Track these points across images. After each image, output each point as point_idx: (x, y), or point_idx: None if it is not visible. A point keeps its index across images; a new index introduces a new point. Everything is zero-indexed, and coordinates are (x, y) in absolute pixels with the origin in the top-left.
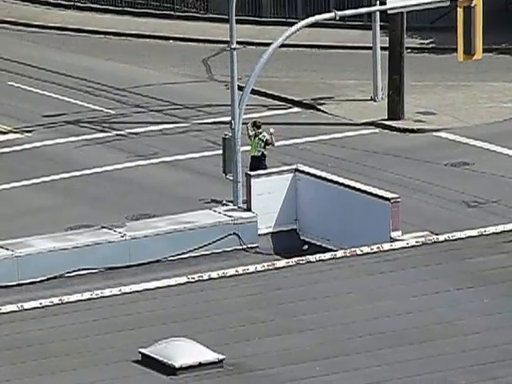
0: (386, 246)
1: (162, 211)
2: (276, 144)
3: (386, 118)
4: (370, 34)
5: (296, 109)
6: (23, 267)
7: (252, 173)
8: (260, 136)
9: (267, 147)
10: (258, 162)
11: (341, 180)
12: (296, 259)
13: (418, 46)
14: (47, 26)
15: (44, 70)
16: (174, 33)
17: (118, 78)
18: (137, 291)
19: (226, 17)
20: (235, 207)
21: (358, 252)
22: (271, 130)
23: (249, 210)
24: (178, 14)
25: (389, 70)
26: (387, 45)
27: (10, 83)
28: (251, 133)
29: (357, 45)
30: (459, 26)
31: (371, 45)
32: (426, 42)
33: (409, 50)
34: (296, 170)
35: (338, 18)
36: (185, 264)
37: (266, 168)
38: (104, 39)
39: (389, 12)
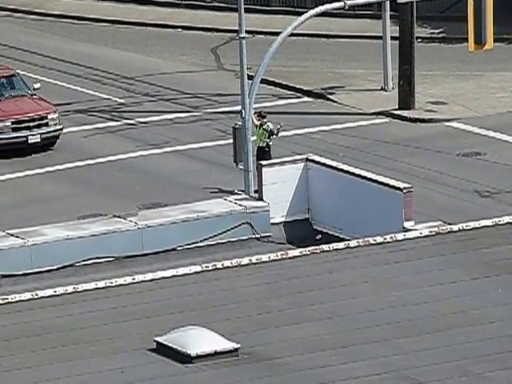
0: (400, 236)
1: (172, 200)
2: (286, 134)
3: (397, 107)
4: (380, 24)
5: (306, 98)
6: (36, 256)
7: (263, 162)
8: (264, 126)
9: (272, 137)
10: (263, 153)
11: (352, 170)
12: (309, 248)
13: (429, 35)
14: (54, 14)
15: (51, 58)
16: (182, 21)
17: (127, 67)
18: (150, 280)
19: (235, 5)
20: (247, 196)
21: (372, 242)
22: (281, 124)
23: (260, 199)
24: (186, 2)
25: (399, 60)
26: (397, 34)
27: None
28: (257, 123)
29: (367, 34)
30: (470, 15)
31: (381, 34)
32: (437, 31)
33: (419, 40)
34: (307, 159)
35: (347, 7)
36: (197, 253)
37: (270, 158)
38: (112, 28)
39: (399, 1)
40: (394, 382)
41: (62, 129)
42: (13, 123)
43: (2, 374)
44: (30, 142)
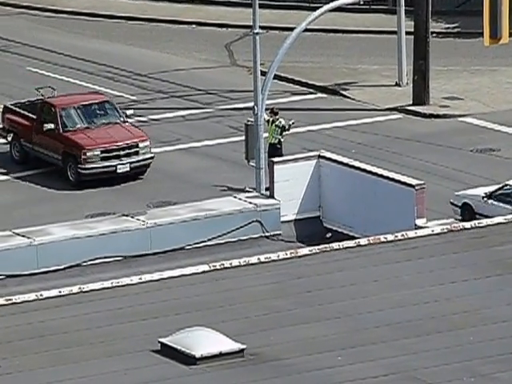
0: (411, 234)
1: (183, 198)
2: (299, 130)
3: (411, 103)
4: (395, 19)
5: (319, 94)
6: (42, 255)
7: (275, 159)
8: (276, 123)
9: (284, 133)
10: (274, 150)
11: (365, 166)
12: (319, 247)
13: (444, 30)
14: (68, 11)
15: (64, 55)
16: (196, 18)
17: (140, 64)
18: (157, 280)
19: (249, 1)
20: (258, 194)
21: (383, 239)
22: (291, 121)
23: (271, 196)
24: None
25: (414, 55)
26: (412, 29)
27: (29, 69)
28: (268, 118)
29: (381, 29)
30: (485, 9)
31: (396, 29)
32: (452, 26)
33: (434, 35)
34: (319, 156)
35: (362, 2)
36: (206, 252)
37: (281, 155)
38: (125, 24)
39: None
40: (403, 383)
41: (152, 157)
42: (102, 152)
43: (5, 377)
44: (118, 171)
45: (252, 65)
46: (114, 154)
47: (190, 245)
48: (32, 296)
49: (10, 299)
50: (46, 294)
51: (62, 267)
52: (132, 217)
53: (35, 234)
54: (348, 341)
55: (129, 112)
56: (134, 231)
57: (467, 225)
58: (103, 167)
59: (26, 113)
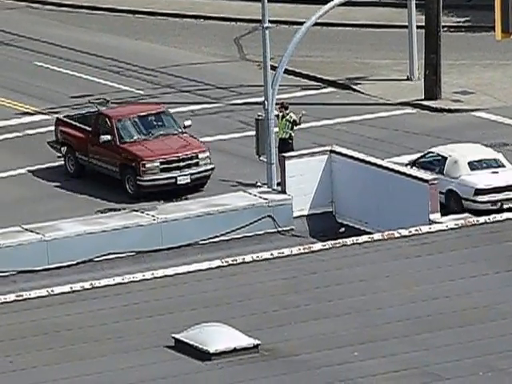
0: (425, 229)
1: (194, 193)
2: (310, 125)
3: (423, 97)
4: (406, 12)
5: (330, 89)
6: (53, 251)
7: (286, 154)
8: (287, 117)
9: (295, 128)
10: (285, 145)
11: (377, 161)
12: (332, 242)
13: (455, 24)
14: (75, 5)
15: (72, 49)
16: (204, 11)
17: (148, 58)
18: (169, 275)
19: None
20: (269, 189)
21: (396, 235)
22: (303, 112)
23: (283, 192)
24: None
25: (425, 49)
26: (423, 23)
27: (36, 63)
28: (278, 113)
29: (392, 23)
30: (497, 3)
31: (407, 23)
32: (463, 20)
33: (445, 29)
34: (331, 151)
35: None
36: (218, 247)
37: (292, 150)
38: (133, 18)
39: None
40: (415, 379)
41: (213, 168)
42: (161, 163)
43: (19, 373)
44: (179, 182)
45: (262, 59)
46: (174, 165)
47: (201, 240)
48: (44, 292)
49: (21, 295)
50: (57, 289)
51: (73, 263)
52: (143, 212)
53: (46, 230)
54: (361, 336)
55: (187, 123)
56: (145, 226)
57: (481, 219)
58: (163, 179)
59: (80, 125)
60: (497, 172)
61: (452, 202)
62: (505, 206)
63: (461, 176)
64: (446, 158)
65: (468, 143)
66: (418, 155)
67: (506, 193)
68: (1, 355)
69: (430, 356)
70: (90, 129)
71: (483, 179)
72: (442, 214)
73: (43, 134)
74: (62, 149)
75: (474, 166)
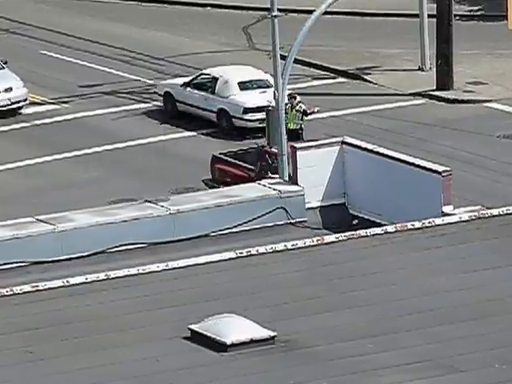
0: (438, 221)
1: (205, 185)
2: (321, 116)
3: (435, 88)
4: (417, 1)
5: (341, 79)
6: (66, 242)
7: (298, 145)
8: (297, 107)
9: (305, 118)
10: (296, 136)
11: (389, 153)
12: (346, 234)
13: (467, 13)
14: None
15: (78, 38)
16: (212, 0)
17: (156, 47)
18: (183, 267)
19: None
20: (281, 180)
21: (410, 227)
22: (316, 109)
23: (295, 183)
24: None
25: (437, 39)
26: (435, 12)
27: (42, 52)
28: (288, 104)
29: (403, 12)
30: None
31: (418, 12)
32: (475, 8)
33: (457, 18)
34: (343, 142)
35: None
36: (231, 239)
37: (303, 141)
38: (140, 7)
39: None
40: (428, 371)
41: None
42: None
43: (35, 363)
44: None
45: (271, 48)
46: None
47: (214, 231)
48: (58, 283)
49: (35, 286)
50: (72, 280)
51: (86, 254)
52: (155, 203)
53: (58, 221)
54: (374, 329)
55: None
56: (158, 217)
57: (495, 212)
58: None
59: (241, 162)
60: (265, 92)
61: (223, 121)
62: None
63: (231, 95)
64: (217, 79)
65: (239, 65)
66: (192, 76)
67: None
68: (15, 346)
69: (443, 348)
70: (252, 167)
71: (251, 98)
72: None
73: (50, 125)
74: (221, 187)
75: (244, 86)
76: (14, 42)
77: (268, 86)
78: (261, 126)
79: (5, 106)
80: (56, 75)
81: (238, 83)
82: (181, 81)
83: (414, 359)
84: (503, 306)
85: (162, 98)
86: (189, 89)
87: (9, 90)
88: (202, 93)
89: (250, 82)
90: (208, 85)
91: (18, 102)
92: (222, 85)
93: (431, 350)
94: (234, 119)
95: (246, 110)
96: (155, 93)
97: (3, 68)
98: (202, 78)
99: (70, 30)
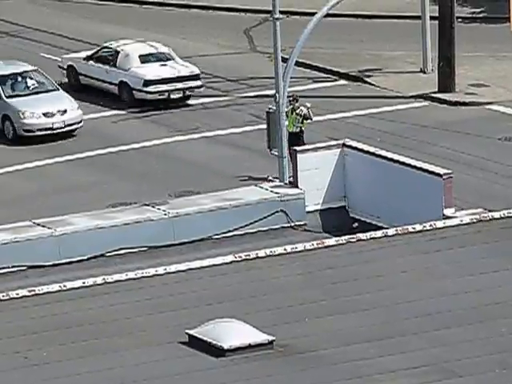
0: (439, 224)
1: (204, 188)
2: (321, 118)
3: (437, 90)
4: (419, 3)
5: (342, 81)
6: (64, 246)
7: (298, 148)
8: (297, 111)
9: (305, 122)
10: (296, 139)
11: (391, 155)
12: (346, 237)
13: (469, 15)
14: None
15: (78, 41)
16: (213, 2)
17: None
18: (182, 270)
19: None
20: (281, 183)
21: (411, 230)
22: (307, 105)
23: (295, 186)
24: None
25: (439, 41)
26: (437, 14)
27: (42, 55)
28: (287, 108)
29: (405, 14)
30: None
31: (420, 14)
32: (478, 11)
33: (459, 20)
34: (344, 145)
35: None
36: (231, 242)
37: (304, 145)
38: (140, 9)
39: None
40: (433, 376)
41: None
42: None
43: (32, 368)
44: None
45: (272, 51)
46: None
47: (214, 235)
48: (56, 287)
49: (33, 290)
50: (69, 284)
51: (84, 258)
52: (154, 206)
53: (56, 224)
54: (376, 333)
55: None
56: (157, 221)
57: (496, 215)
58: None
59: None
60: (165, 65)
61: (124, 93)
62: (172, 96)
63: (131, 68)
64: (118, 52)
65: (141, 39)
66: (95, 50)
67: (173, 84)
68: (12, 351)
69: (448, 352)
70: None
71: (152, 71)
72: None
73: None
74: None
75: (145, 58)
76: (15, 44)
77: (168, 59)
78: (161, 98)
79: (59, 128)
80: (56, 78)
81: (139, 56)
82: (84, 54)
83: (418, 363)
84: (506, 310)
85: (65, 72)
86: (91, 62)
87: (63, 112)
88: (104, 66)
89: (151, 54)
90: (110, 58)
91: (73, 124)
92: (123, 58)
93: (435, 354)
94: (134, 91)
95: (147, 83)
96: (59, 67)
97: (58, 89)
98: (104, 52)
99: (70, 33)
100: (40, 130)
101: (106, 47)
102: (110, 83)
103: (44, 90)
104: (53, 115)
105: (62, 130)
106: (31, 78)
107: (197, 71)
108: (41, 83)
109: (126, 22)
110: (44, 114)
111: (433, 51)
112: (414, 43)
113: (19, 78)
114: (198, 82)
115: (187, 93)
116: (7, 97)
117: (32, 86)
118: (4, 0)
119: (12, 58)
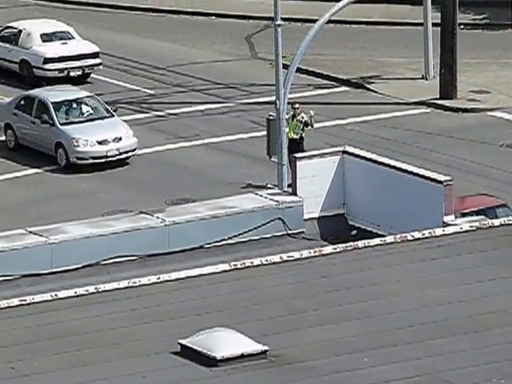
0: (439, 231)
1: (202, 195)
2: (321, 125)
3: (438, 97)
4: (421, 10)
5: (343, 88)
6: (58, 254)
7: (297, 155)
8: (298, 117)
9: (306, 129)
10: (296, 146)
11: (391, 162)
12: (344, 245)
13: (471, 21)
14: (81, 2)
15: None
16: (215, 9)
17: (158, 57)
18: (176, 279)
19: None
20: (280, 191)
21: (409, 237)
22: (311, 113)
23: (294, 193)
24: None
25: (441, 47)
26: (439, 21)
27: None
28: (288, 115)
29: (407, 21)
30: None
31: (422, 21)
32: (480, 17)
33: (461, 26)
34: (343, 151)
35: None
36: (227, 250)
37: (303, 151)
38: (142, 16)
39: None
40: None
41: None
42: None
43: (22, 379)
44: None
45: (273, 58)
46: None
47: (209, 243)
48: (49, 296)
49: (24, 299)
50: (62, 293)
51: (78, 266)
52: (150, 214)
53: (50, 233)
54: (370, 342)
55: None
56: (153, 229)
57: (496, 222)
58: None
59: None
60: (66, 43)
61: (24, 71)
62: (71, 74)
63: (32, 46)
64: (21, 31)
65: (44, 19)
66: None
67: (72, 62)
68: (4, 361)
69: (443, 362)
70: None
71: (52, 49)
72: None
73: None
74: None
75: (46, 37)
76: None
77: (70, 38)
78: (60, 75)
79: (113, 156)
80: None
81: (41, 35)
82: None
83: (413, 373)
84: (503, 319)
85: None
86: None
87: (118, 139)
88: (7, 45)
89: (53, 33)
90: (12, 37)
91: (127, 152)
92: (26, 37)
93: (430, 364)
94: (34, 69)
95: (46, 60)
96: None
97: (113, 116)
98: (7, 32)
99: None
100: (93, 158)
101: (9, 27)
102: (12, 61)
103: (99, 116)
104: (107, 143)
105: (116, 157)
106: (86, 104)
107: (96, 49)
108: (96, 109)
109: (128, 29)
110: (98, 142)
111: (435, 58)
112: (416, 50)
113: (74, 105)
114: (98, 60)
115: (86, 70)
116: (61, 124)
117: (86, 113)
118: (12, 7)
119: None
